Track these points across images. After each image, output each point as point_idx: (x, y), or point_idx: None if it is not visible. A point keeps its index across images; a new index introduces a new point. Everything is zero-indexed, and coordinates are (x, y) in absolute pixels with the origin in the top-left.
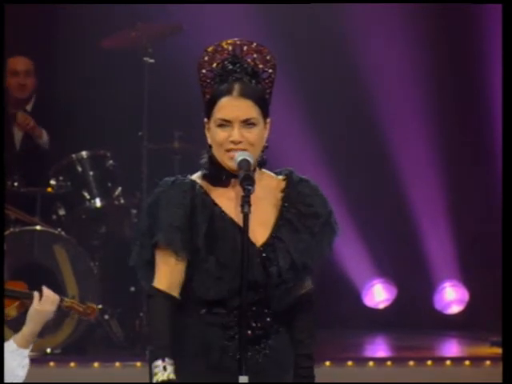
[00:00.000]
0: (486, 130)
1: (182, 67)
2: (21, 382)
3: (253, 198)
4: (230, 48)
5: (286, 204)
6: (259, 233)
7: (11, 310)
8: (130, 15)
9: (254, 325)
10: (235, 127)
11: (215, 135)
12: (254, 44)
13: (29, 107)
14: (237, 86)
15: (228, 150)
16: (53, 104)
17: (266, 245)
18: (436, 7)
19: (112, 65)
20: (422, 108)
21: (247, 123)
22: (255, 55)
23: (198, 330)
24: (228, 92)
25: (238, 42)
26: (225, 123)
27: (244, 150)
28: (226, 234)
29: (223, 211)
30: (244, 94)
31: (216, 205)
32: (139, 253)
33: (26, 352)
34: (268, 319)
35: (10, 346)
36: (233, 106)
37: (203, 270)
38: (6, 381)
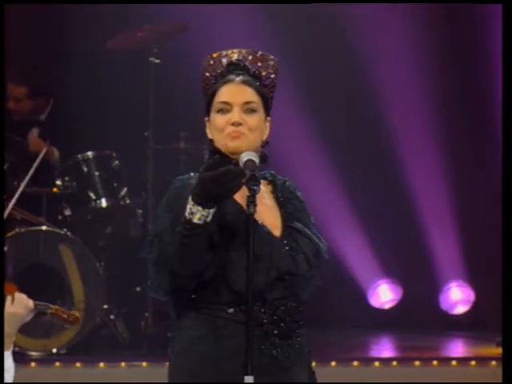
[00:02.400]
0: (492, 131)
1: (188, 67)
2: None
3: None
4: (235, 56)
5: (281, 199)
6: (273, 225)
7: None
8: (136, 16)
9: (288, 319)
10: (236, 110)
11: (215, 121)
12: (259, 53)
13: (42, 117)
14: (239, 77)
15: (229, 134)
16: (60, 104)
17: (285, 235)
18: (441, 7)
19: (118, 65)
20: (429, 108)
21: (248, 108)
22: (260, 64)
23: (231, 331)
24: (229, 81)
25: (244, 52)
26: (225, 107)
27: (244, 133)
28: (254, 228)
29: (241, 206)
30: (245, 82)
31: (234, 198)
32: (160, 249)
33: (7, 354)
34: (299, 312)
35: None
36: (234, 90)
37: (237, 264)
38: None
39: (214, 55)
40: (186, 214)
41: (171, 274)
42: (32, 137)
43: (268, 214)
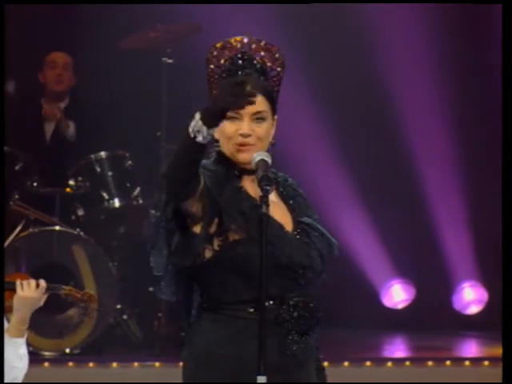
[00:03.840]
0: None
1: (201, 67)
2: (21, 372)
3: (257, 193)
4: (239, 45)
5: (285, 196)
6: (284, 221)
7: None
8: (149, 16)
9: (307, 315)
10: (245, 120)
11: (224, 128)
12: (263, 42)
13: (63, 104)
14: (246, 80)
15: (238, 144)
16: (73, 105)
17: (297, 231)
18: (457, 6)
19: (130, 65)
20: (443, 107)
21: (257, 117)
22: (263, 53)
23: (253, 330)
24: None
25: (247, 40)
26: (234, 115)
27: (252, 144)
28: (267, 222)
29: (257, 202)
30: (254, 88)
31: (249, 194)
32: (157, 223)
33: (21, 341)
34: (315, 307)
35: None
36: None
37: (251, 253)
38: (3, 373)
39: (218, 45)
40: (190, 129)
41: (168, 255)
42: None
43: (277, 211)
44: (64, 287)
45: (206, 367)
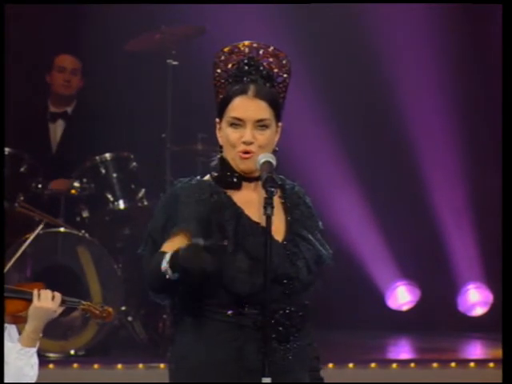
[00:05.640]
0: None
1: (206, 69)
2: (32, 380)
3: (258, 199)
4: (247, 50)
5: (288, 205)
6: (277, 230)
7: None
8: (154, 18)
9: (287, 323)
10: (248, 127)
11: (227, 135)
12: (271, 48)
13: (69, 109)
14: (252, 87)
15: (241, 152)
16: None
17: (287, 240)
18: (456, 6)
19: (136, 67)
20: (447, 107)
21: (260, 125)
22: (271, 59)
23: (231, 334)
24: (243, 92)
25: (255, 45)
26: (237, 122)
27: (254, 152)
28: (254, 231)
29: (243, 210)
30: (259, 95)
31: (235, 203)
32: (151, 249)
33: (33, 351)
34: (298, 316)
35: (15, 346)
36: (247, 106)
37: (233, 267)
38: (15, 380)
39: (225, 49)
40: (161, 266)
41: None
42: (58, 180)
43: (273, 219)
44: (83, 302)
45: (185, 368)
